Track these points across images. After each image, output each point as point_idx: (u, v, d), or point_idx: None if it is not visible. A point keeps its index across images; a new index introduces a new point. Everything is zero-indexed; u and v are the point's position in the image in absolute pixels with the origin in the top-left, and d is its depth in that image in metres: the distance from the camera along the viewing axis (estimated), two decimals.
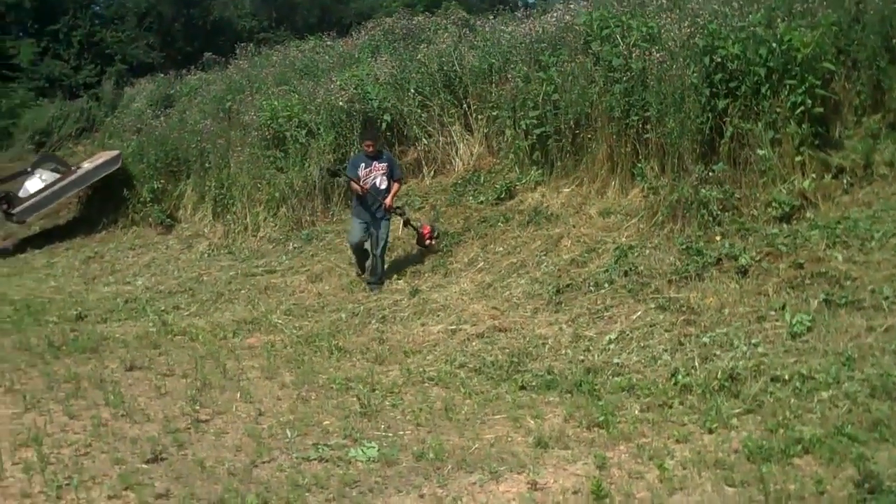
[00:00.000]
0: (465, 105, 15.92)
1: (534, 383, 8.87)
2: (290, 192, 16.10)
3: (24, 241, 20.01)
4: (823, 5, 11.52)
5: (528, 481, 6.38)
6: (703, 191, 10.91)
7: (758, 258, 9.84)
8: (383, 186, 12.80)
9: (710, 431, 7.13)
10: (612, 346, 9.33)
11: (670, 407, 7.79)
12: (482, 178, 14.80)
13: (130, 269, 16.61)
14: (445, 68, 16.26)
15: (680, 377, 8.19)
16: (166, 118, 21.08)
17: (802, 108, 10.79)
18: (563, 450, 7.09)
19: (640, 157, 12.41)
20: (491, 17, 17.95)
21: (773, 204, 10.51)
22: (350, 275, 13.20)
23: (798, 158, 10.78)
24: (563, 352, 9.52)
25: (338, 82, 17.15)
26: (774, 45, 11.00)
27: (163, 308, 13.24)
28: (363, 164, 12.84)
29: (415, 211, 14.33)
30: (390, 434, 7.70)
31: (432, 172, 15.80)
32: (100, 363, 10.13)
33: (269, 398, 8.82)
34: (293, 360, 10.27)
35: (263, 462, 7.08)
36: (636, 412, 7.76)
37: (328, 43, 21.96)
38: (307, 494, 6.36)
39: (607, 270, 10.87)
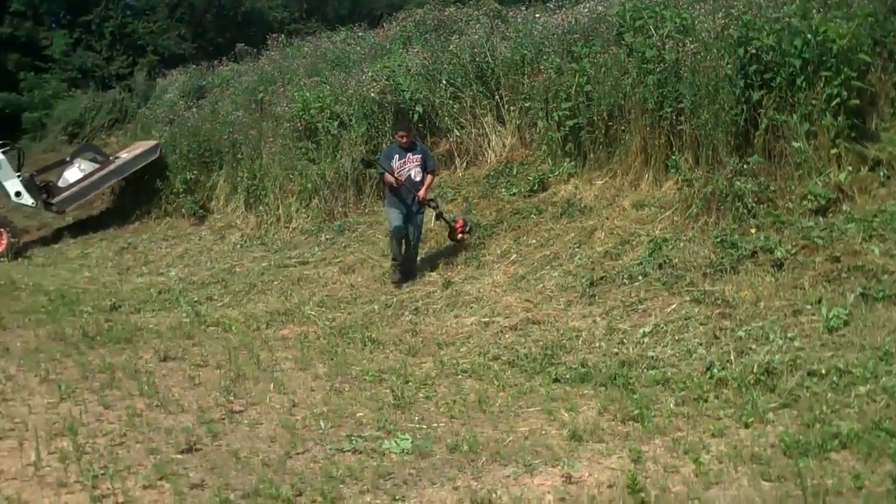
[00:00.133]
0: (497, 96, 15.84)
1: (568, 376, 8.83)
2: (323, 184, 16.12)
3: (59, 232, 20.15)
4: None
5: (562, 474, 6.36)
6: (737, 183, 10.83)
7: (793, 251, 9.76)
8: (417, 178, 12.70)
9: (746, 426, 7.07)
10: (646, 340, 9.28)
11: (706, 401, 7.73)
12: (515, 170, 14.72)
13: (164, 259, 16.72)
14: (477, 59, 16.17)
15: (715, 371, 8.12)
16: (198, 109, 21.14)
17: (838, 99, 10.67)
18: (598, 443, 7.06)
19: (674, 148, 12.33)
20: (523, 7, 17.83)
21: (809, 196, 10.41)
22: (383, 266, 13.19)
23: (834, 151, 10.67)
24: (597, 344, 9.48)
25: (369, 73, 17.14)
26: (810, 36, 10.89)
27: (196, 299, 13.32)
28: (397, 156, 12.72)
29: (447, 202, 14.29)
30: (424, 426, 7.69)
31: (464, 164, 15.74)
32: (134, 353, 10.19)
33: (302, 389, 8.84)
34: (326, 352, 10.29)
35: (297, 453, 7.09)
36: (671, 406, 7.71)
37: (359, 34, 21.94)
38: (341, 486, 6.35)
39: (641, 263, 10.82)
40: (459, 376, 9.19)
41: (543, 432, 7.42)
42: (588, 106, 13.49)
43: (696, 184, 11.44)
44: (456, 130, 15.88)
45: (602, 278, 10.90)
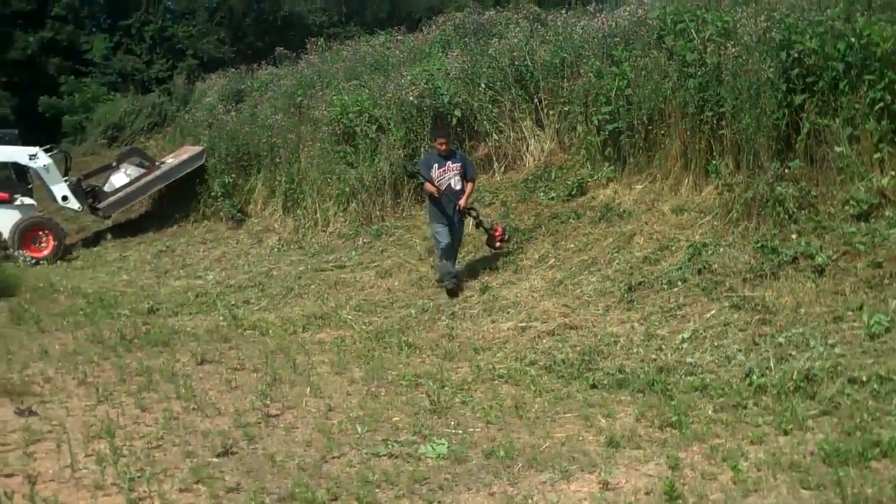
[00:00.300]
0: (536, 100, 15.78)
1: (605, 382, 8.77)
2: (360, 188, 16.10)
3: (98, 235, 20.29)
4: None
5: (599, 481, 6.30)
6: (778, 188, 10.72)
7: (835, 257, 9.64)
8: (458, 187, 12.50)
9: (786, 433, 6.98)
10: (685, 346, 9.20)
11: (744, 408, 7.64)
12: (553, 175, 14.63)
13: (201, 263, 16.81)
14: (517, 63, 16.13)
15: (754, 377, 8.04)
16: (237, 113, 21.21)
17: (882, 104, 10.53)
18: (635, 450, 7.00)
19: (715, 153, 12.23)
20: (563, 11, 17.77)
21: (851, 202, 10.27)
22: (419, 270, 13.20)
23: (877, 155, 10.52)
24: (635, 350, 9.41)
25: (408, 77, 17.11)
26: (853, 39, 10.77)
27: (233, 302, 13.38)
28: (436, 164, 12.51)
29: (485, 206, 14.25)
30: (460, 431, 7.66)
31: (503, 168, 15.69)
32: (171, 356, 10.23)
33: (338, 393, 8.84)
34: (363, 356, 10.29)
35: (333, 457, 7.08)
36: (709, 412, 7.63)
37: (398, 38, 21.94)
38: (377, 491, 6.33)
39: (680, 268, 10.73)
40: (496, 381, 9.16)
41: (580, 438, 7.37)
42: (628, 110, 13.42)
43: (736, 189, 11.35)
44: (494, 134, 15.84)
45: (640, 283, 10.82)
